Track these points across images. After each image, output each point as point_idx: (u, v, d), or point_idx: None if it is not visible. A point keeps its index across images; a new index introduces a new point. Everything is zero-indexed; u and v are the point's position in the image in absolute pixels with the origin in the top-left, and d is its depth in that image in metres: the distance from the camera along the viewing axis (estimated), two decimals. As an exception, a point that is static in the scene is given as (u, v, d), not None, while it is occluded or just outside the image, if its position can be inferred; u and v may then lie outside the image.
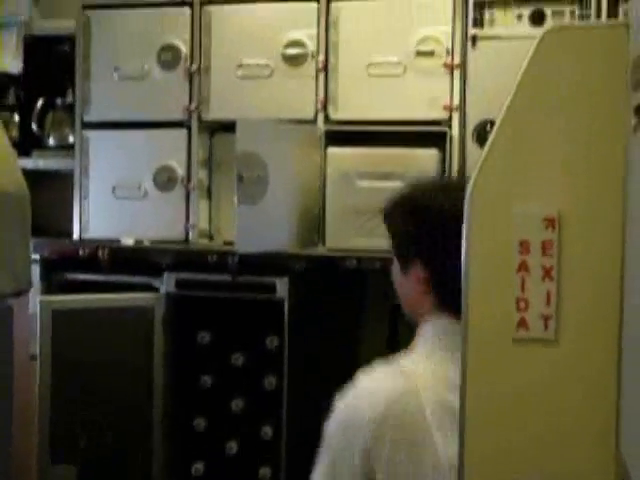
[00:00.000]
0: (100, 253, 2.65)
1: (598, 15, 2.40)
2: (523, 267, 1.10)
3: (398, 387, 1.42)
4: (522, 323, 1.09)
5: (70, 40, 2.87)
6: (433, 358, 1.48)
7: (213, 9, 2.76)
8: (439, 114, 2.55)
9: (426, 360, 1.48)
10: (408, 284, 1.54)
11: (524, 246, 1.10)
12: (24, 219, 1.64)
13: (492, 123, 2.43)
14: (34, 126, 3.00)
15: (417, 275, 1.51)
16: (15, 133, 3.00)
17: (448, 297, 1.47)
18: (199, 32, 2.76)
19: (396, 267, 1.57)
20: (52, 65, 3.00)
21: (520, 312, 1.09)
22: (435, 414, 1.39)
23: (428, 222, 1.51)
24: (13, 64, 2.98)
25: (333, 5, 2.64)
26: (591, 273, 1.09)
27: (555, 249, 1.09)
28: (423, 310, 1.53)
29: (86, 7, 2.83)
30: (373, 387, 1.44)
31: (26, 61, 2.97)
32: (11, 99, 3.05)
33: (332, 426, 1.43)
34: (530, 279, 1.09)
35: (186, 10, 2.77)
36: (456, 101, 2.54)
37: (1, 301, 1.22)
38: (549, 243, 1.09)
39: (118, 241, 2.74)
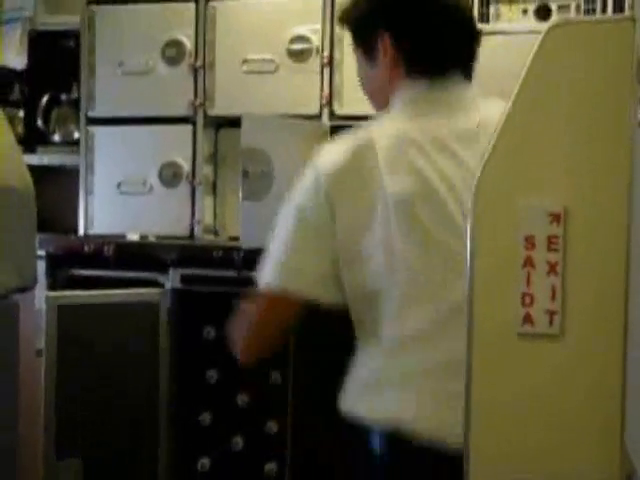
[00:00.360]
0: (105, 249, 2.65)
1: (604, 9, 2.39)
2: (528, 262, 1.10)
3: (357, 140, 1.50)
4: (527, 318, 1.09)
5: (75, 35, 2.88)
6: (398, 119, 1.53)
7: (218, 4, 2.76)
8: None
9: (391, 121, 1.54)
10: (378, 72, 1.58)
11: (529, 241, 1.10)
12: (29, 215, 1.64)
13: (497, 118, 2.43)
14: (39, 122, 3.00)
15: (388, 54, 1.54)
16: (20, 129, 3.00)
17: (422, 63, 1.54)
18: (204, 27, 2.76)
19: (361, 62, 1.61)
20: (57, 60, 3.00)
21: (525, 307, 1.09)
22: (387, 160, 1.45)
23: None
24: (17, 60, 2.98)
25: (337, 0, 2.64)
26: (596, 268, 1.09)
27: (561, 244, 1.09)
28: (395, 88, 1.56)
29: (91, 2, 2.84)
30: (335, 145, 1.54)
31: (30, 56, 2.97)
32: (16, 95, 3.05)
33: (298, 187, 1.53)
34: (535, 274, 1.09)
35: (191, 5, 2.78)
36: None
37: (7, 297, 1.22)
38: (554, 238, 1.09)
39: (123, 237, 2.75)
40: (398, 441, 1.41)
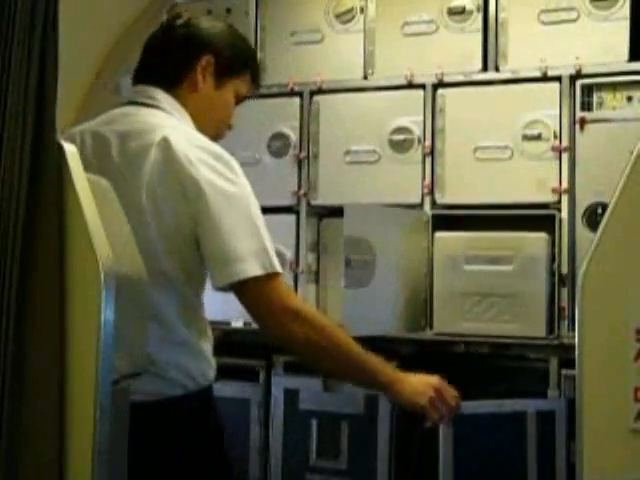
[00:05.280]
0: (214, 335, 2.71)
1: None
2: (640, 355, 1.07)
3: None
4: (641, 414, 1.05)
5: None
6: None
7: (321, 98, 2.85)
8: (547, 197, 2.53)
9: None
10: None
11: (641, 334, 1.07)
12: (142, 302, 1.70)
13: (603, 206, 2.39)
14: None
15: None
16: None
17: None
18: (308, 120, 2.85)
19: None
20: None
21: (638, 403, 1.06)
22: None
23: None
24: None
25: (439, 92, 2.69)
26: None
27: (674, 337, 1.06)
28: None
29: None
30: None
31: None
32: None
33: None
34: (648, 368, 1.06)
35: (296, 100, 2.88)
36: (565, 184, 2.51)
37: (119, 382, 1.26)
38: (667, 331, 1.06)
39: (229, 323, 2.80)
40: None
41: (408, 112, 2.73)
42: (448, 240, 2.59)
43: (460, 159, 2.65)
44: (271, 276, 1.69)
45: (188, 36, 1.83)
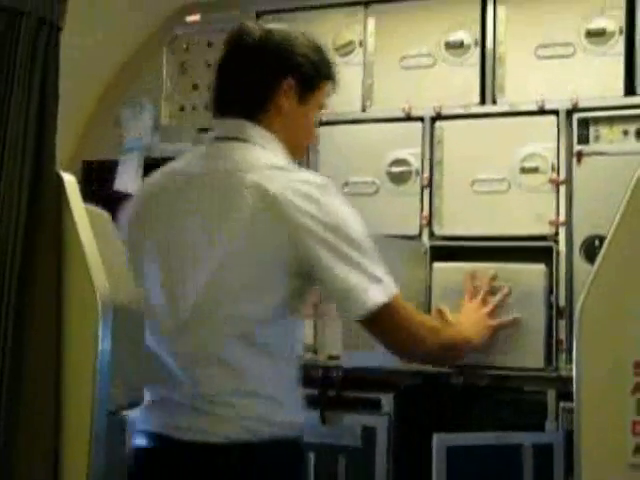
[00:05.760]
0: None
1: None
2: (638, 388, 1.06)
3: None
4: (639, 448, 1.05)
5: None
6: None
7: (321, 130, 2.86)
8: (545, 229, 2.54)
9: None
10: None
11: (639, 367, 1.07)
12: (138, 332, 1.70)
13: (600, 238, 2.40)
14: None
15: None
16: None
17: None
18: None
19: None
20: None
21: (636, 436, 1.05)
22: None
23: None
24: (133, 185, 3.15)
25: (437, 125, 2.71)
26: None
27: (672, 370, 1.05)
28: None
29: (201, 130, 3.00)
30: None
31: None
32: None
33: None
34: (646, 402, 1.06)
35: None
36: (562, 217, 2.52)
37: (116, 413, 1.26)
38: (665, 364, 1.06)
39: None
40: None
41: (406, 144, 2.74)
42: (446, 271, 2.59)
43: (458, 191, 2.66)
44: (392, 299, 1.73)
45: (267, 60, 1.78)
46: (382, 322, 1.72)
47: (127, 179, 3.15)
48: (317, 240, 1.63)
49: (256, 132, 1.76)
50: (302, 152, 1.83)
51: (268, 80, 1.78)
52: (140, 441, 1.69)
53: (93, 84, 3.30)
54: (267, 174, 1.66)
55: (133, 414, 1.55)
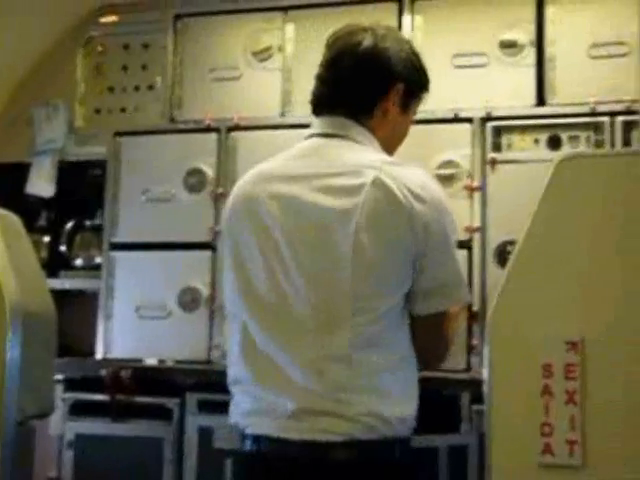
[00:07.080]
0: (123, 373, 2.65)
1: (612, 141, 2.46)
2: (547, 391, 1.09)
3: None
4: (547, 448, 1.07)
5: (101, 165, 2.98)
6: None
7: (239, 135, 2.86)
8: (460, 235, 2.58)
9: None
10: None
11: (547, 369, 1.09)
12: (50, 340, 1.66)
13: (512, 244, 2.45)
14: (63, 247, 3.07)
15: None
16: (44, 254, 3.06)
17: None
18: (225, 156, 2.85)
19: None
20: (83, 189, 3.10)
21: (545, 437, 1.08)
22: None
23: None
24: (46, 188, 3.08)
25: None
26: (617, 397, 1.08)
27: (578, 372, 1.08)
28: None
29: (117, 134, 2.95)
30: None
31: (58, 185, 3.07)
32: (42, 221, 3.14)
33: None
34: (554, 403, 1.08)
35: (213, 136, 2.87)
36: (477, 222, 2.57)
37: (24, 423, 1.22)
38: (572, 366, 1.09)
39: (141, 361, 2.74)
40: None
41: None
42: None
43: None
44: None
45: (380, 65, 1.77)
46: (448, 321, 1.69)
47: (40, 183, 3.08)
48: (432, 232, 1.63)
49: (359, 131, 1.75)
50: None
51: (380, 84, 1.78)
52: (254, 445, 1.69)
53: (4, 83, 3.20)
54: (386, 169, 1.65)
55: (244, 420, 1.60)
